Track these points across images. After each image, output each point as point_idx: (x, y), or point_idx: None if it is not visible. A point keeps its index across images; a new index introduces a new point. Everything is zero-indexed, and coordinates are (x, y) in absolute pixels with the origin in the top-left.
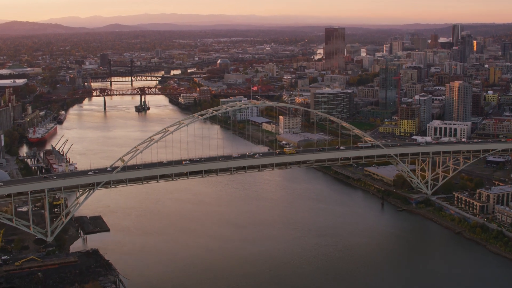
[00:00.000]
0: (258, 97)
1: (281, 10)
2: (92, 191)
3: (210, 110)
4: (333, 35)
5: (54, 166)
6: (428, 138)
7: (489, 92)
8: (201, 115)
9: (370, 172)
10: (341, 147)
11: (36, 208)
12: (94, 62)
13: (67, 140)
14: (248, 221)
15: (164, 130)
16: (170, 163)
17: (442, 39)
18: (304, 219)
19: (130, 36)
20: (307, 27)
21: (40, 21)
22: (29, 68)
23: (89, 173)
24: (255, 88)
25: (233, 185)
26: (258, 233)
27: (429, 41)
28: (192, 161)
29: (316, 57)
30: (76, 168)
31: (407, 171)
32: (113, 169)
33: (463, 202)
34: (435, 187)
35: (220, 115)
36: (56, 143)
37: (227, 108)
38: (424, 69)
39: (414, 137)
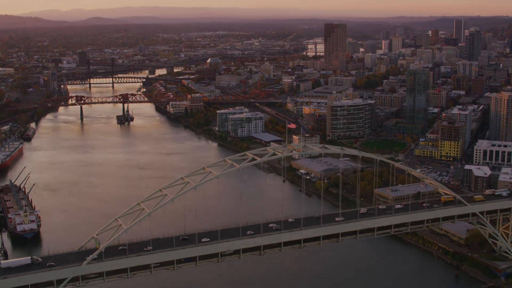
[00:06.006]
0: (257, 104)
1: (264, 2)
2: None
3: (230, 161)
4: (333, 31)
5: (10, 214)
6: (486, 168)
7: None
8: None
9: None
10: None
11: None
12: (73, 60)
13: (29, 175)
14: None
15: (160, 193)
16: (168, 241)
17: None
18: None
19: (111, 30)
20: (291, 20)
21: (21, 14)
22: (0, 68)
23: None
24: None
25: None
26: None
27: (429, 34)
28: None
29: (309, 53)
30: (40, 217)
31: (494, 232)
32: (82, 253)
33: None
34: None
35: (217, 129)
36: (16, 176)
37: (254, 157)
38: (436, 69)
39: (467, 166)
